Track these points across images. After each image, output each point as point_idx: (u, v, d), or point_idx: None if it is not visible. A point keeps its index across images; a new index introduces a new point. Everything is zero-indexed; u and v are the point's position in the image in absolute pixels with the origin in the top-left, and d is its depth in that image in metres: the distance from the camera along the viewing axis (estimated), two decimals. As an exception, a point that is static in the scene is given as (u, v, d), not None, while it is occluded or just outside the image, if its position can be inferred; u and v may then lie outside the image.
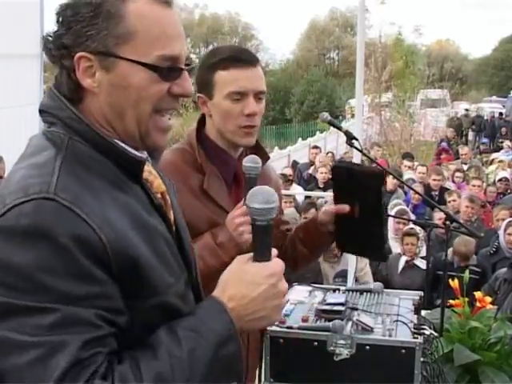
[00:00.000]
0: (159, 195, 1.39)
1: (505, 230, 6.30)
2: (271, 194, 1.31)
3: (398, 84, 17.95)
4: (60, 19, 1.28)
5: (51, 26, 1.30)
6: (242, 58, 2.17)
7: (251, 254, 1.33)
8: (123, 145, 1.32)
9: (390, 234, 7.07)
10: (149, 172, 1.38)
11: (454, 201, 7.93)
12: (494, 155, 15.02)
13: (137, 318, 1.24)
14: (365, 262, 5.81)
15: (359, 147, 3.18)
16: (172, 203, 1.46)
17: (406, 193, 9.18)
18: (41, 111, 1.33)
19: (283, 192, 5.26)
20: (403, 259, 6.11)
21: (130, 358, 1.18)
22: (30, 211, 1.12)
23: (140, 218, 1.27)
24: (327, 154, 13.34)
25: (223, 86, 2.16)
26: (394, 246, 6.64)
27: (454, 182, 10.43)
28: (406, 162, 11.40)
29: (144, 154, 1.39)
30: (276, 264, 1.33)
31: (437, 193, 9.25)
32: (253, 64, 2.18)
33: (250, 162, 2.11)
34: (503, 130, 23.09)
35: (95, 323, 1.14)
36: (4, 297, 1.11)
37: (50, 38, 1.29)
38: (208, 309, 1.27)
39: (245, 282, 1.29)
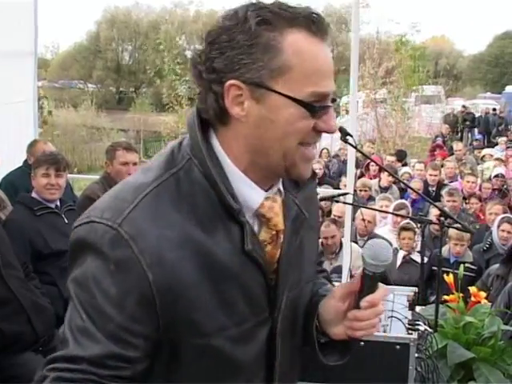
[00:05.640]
0: (274, 232, 1.37)
1: (498, 226, 6.30)
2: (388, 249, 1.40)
3: (394, 81, 17.92)
4: (212, 40, 1.27)
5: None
6: None
7: None
8: (245, 179, 1.32)
9: (389, 227, 7.09)
10: (269, 208, 1.35)
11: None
12: (485, 151, 15.04)
13: (182, 351, 1.28)
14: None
15: (353, 143, 3.19)
16: (288, 240, 1.41)
17: (402, 189, 9.20)
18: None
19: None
20: (401, 254, 6.10)
21: None
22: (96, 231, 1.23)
23: (212, 258, 1.26)
24: (322, 150, 13.40)
25: None
26: (393, 240, 6.64)
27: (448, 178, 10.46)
28: (389, 158, 11.52)
29: (273, 190, 1.38)
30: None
31: (434, 188, 9.27)
32: None
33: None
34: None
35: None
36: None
37: (200, 58, 1.29)
38: None
39: None
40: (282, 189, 1.40)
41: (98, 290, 1.21)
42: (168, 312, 1.23)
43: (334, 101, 1.32)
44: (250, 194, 1.32)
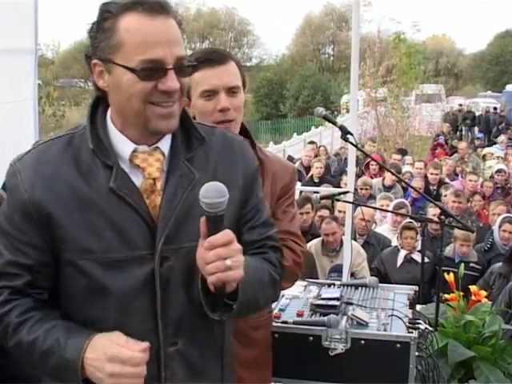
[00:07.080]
0: (151, 181, 1.63)
1: (500, 227, 6.29)
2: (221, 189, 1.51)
3: (395, 79, 17.93)
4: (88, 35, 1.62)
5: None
6: (211, 57, 2.22)
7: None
8: (120, 135, 1.63)
9: (388, 227, 7.07)
10: (143, 160, 1.63)
11: (445, 196, 7.97)
12: (487, 150, 15.05)
13: (63, 266, 1.61)
14: (362, 258, 5.79)
15: (354, 142, 3.19)
16: (171, 191, 1.63)
17: (403, 188, 9.19)
18: None
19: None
20: (402, 253, 6.06)
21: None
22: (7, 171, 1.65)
23: (80, 191, 1.58)
24: (319, 147, 13.54)
25: (197, 86, 2.23)
26: (392, 239, 6.61)
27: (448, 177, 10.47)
28: (395, 156, 11.60)
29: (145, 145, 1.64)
30: None
31: (435, 187, 9.26)
32: (222, 62, 2.22)
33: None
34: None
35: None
36: None
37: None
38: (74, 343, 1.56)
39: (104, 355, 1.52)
40: (162, 149, 1.66)
41: (2, 216, 1.63)
42: (44, 224, 1.58)
43: (187, 64, 1.58)
44: (122, 146, 1.63)
